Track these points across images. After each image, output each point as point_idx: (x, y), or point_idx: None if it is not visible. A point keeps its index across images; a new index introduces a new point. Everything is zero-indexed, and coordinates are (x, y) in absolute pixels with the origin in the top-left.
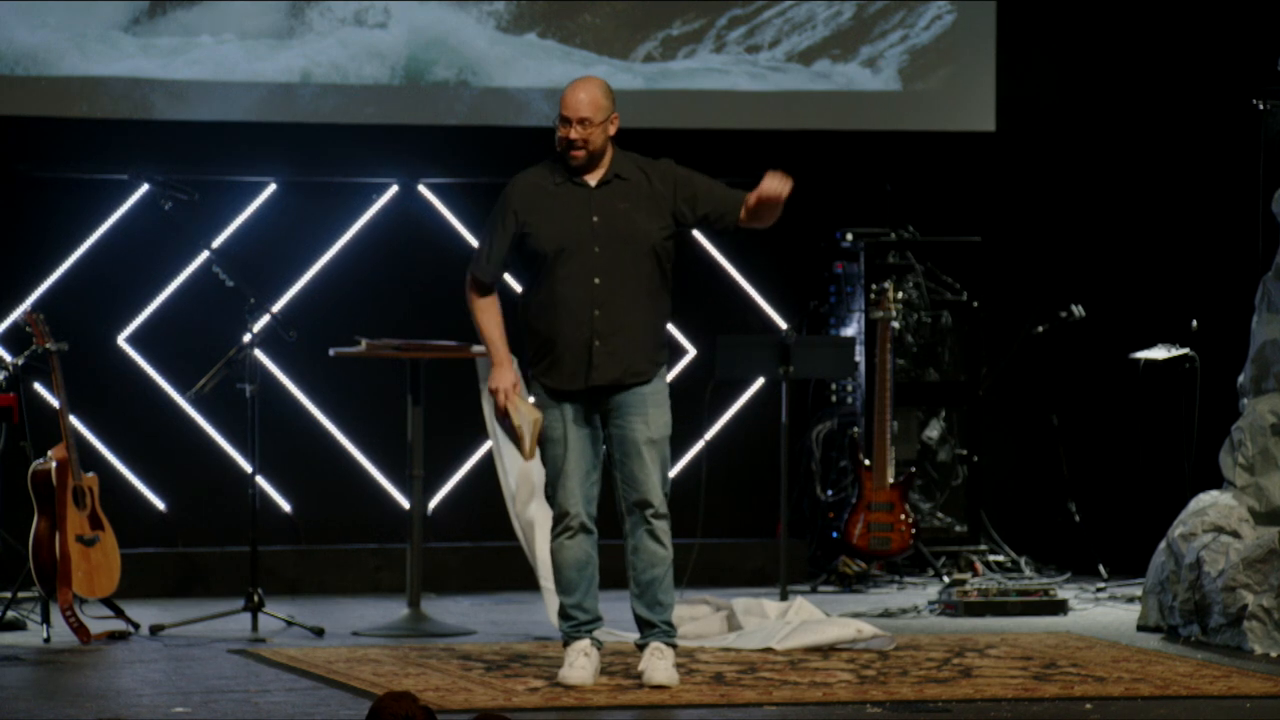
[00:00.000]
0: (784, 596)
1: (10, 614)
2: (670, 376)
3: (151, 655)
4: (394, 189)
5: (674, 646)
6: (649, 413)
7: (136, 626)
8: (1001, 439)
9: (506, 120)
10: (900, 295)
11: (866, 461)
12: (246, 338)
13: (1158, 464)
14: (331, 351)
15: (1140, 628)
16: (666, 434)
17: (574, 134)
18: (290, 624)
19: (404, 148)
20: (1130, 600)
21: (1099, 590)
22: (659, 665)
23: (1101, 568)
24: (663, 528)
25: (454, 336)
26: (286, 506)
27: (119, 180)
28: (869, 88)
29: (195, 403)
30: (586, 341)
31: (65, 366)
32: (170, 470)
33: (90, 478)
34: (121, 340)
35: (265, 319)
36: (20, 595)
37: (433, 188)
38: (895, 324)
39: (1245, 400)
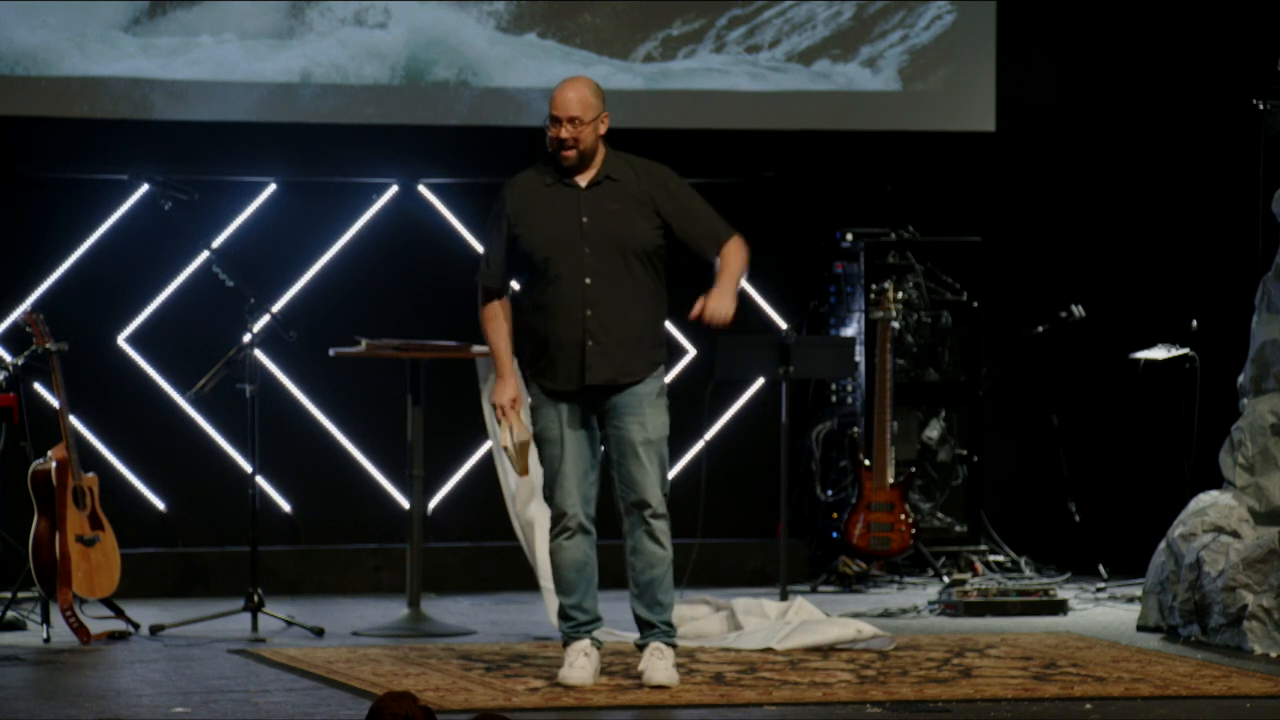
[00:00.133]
0: (784, 596)
1: (10, 614)
2: (670, 376)
3: (151, 655)
4: (394, 189)
5: (674, 646)
6: (645, 413)
7: (136, 626)
8: (1001, 439)
9: (506, 120)
10: (900, 295)
11: (866, 461)
12: (246, 338)
13: (1158, 464)
14: (331, 351)
15: (1140, 628)
16: (664, 434)
17: (564, 133)
18: (290, 624)
19: (404, 148)
20: (1130, 600)
21: (1099, 590)
22: (659, 665)
23: (1101, 568)
24: (661, 528)
25: (454, 336)
26: (286, 506)
27: (119, 180)
28: (869, 88)
29: (195, 403)
30: (579, 342)
31: (65, 366)
32: (170, 470)
33: (90, 478)
34: (121, 340)
35: (265, 319)
36: (20, 595)
37: (433, 188)
38: (895, 324)
39: (1245, 400)
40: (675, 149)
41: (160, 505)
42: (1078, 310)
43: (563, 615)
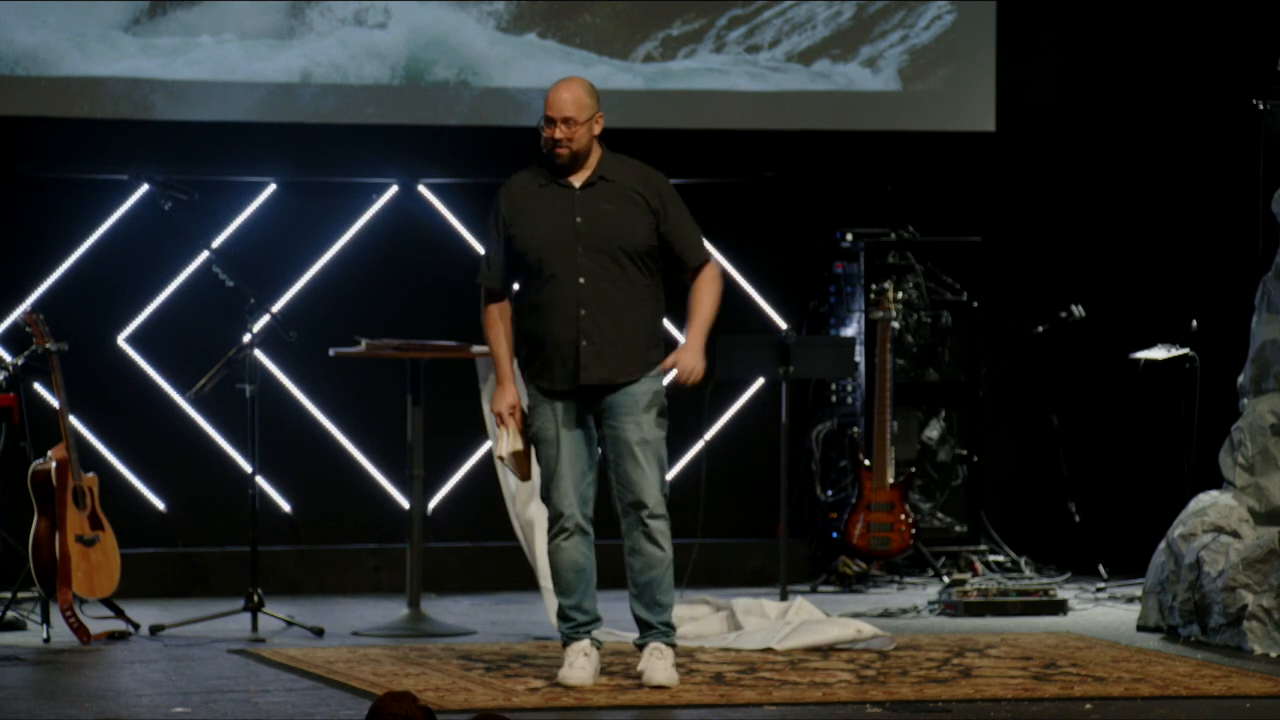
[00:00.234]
0: (784, 596)
1: (10, 614)
2: (670, 376)
3: (151, 655)
4: (394, 189)
5: (673, 646)
6: (641, 413)
7: (136, 626)
8: (1001, 439)
9: (506, 120)
10: (900, 295)
11: (866, 461)
12: (246, 338)
13: (1158, 464)
14: (331, 351)
15: (1140, 628)
16: (660, 434)
17: (558, 133)
18: (290, 624)
19: (404, 148)
20: (1130, 600)
21: (1099, 590)
22: (658, 665)
23: (1101, 568)
24: (659, 529)
25: (454, 336)
26: (286, 506)
27: (119, 180)
28: (869, 88)
29: (195, 403)
30: (573, 342)
31: (65, 366)
32: (170, 470)
33: (90, 478)
34: (121, 340)
35: (265, 319)
36: (20, 595)
37: (433, 188)
38: (895, 324)
39: (1245, 400)
40: (675, 149)
41: (160, 505)
42: (1078, 310)
43: (562, 616)
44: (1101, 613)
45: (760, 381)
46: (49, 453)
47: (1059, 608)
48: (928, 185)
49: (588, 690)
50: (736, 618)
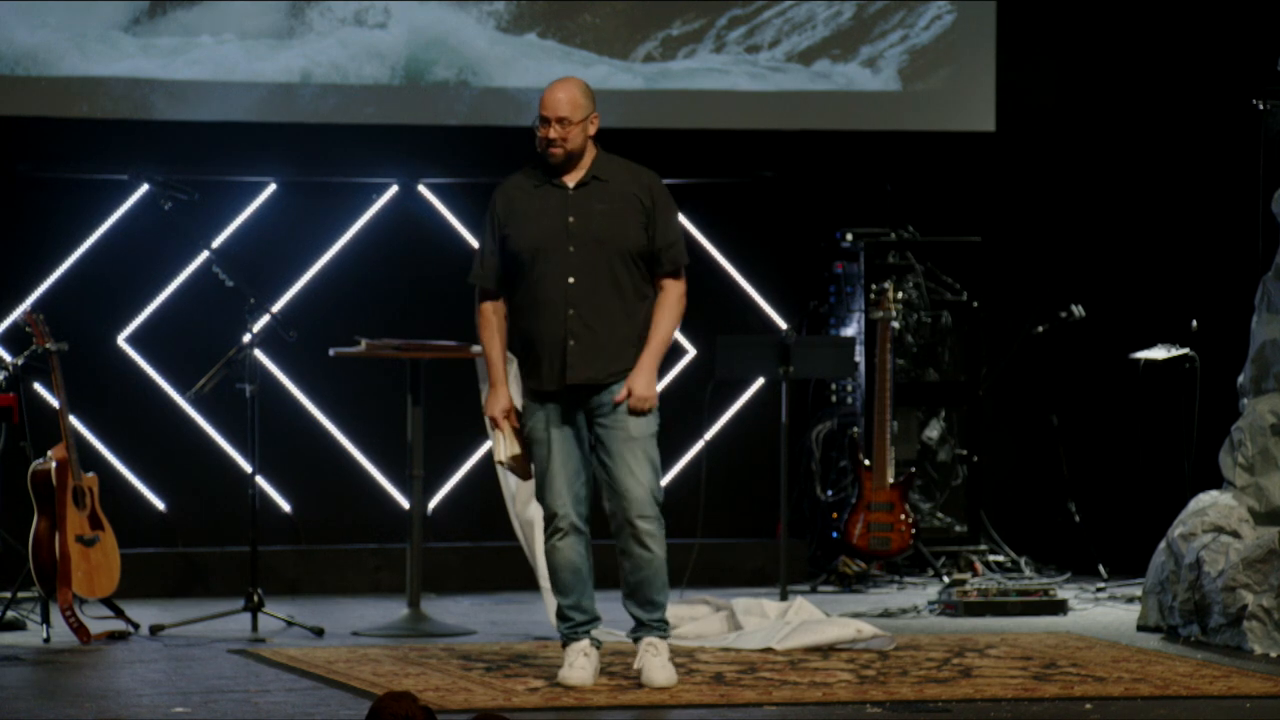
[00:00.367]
0: (784, 596)
1: (10, 614)
2: (670, 376)
3: (151, 655)
4: (394, 189)
5: (666, 638)
6: (628, 412)
7: (136, 626)
8: (1001, 439)
9: (506, 120)
10: (900, 295)
11: (866, 461)
12: (246, 338)
13: (1158, 464)
14: (331, 351)
15: (1140, 628)
16: (649, 432)
17: (552, 133)
18: (290, 624)
19: (404, 148)
20: (1130, 600)
21: (1099, 590)
22: (655, 664)
23: (1101, 568)
24: (646, 530)
25: (454, 336)
26: (286, 506)
27: (119, 180)
28: (869, 88)
29: (195, 403)
30: (561, 341)
31: (65, 366)
32: (170, 470)
33: (90, 478)
34: (121, 340)
35: (265, 319)
36: (20, 595)
37: (433, 188)
38: (895, 324)
39: (1245, 400)
40: (675, 149)
41: (160, 505)
42: (1078, 310)
43: (561, 616)
44: (1101, 613)
45: (760, 381)
46: (49, 453)
47: (1059, 608)
48: (928, 185)
49: (588, 690)
50: (736, 618)
